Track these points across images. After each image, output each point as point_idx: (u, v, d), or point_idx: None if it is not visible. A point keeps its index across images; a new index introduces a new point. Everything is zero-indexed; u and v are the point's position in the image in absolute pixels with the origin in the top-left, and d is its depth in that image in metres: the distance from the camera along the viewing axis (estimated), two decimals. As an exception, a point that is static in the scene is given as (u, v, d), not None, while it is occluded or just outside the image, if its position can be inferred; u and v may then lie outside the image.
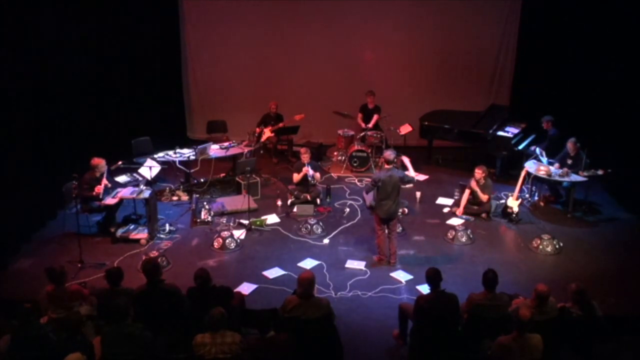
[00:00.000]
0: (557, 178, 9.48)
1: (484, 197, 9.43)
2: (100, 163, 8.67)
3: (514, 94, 12.70)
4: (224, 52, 12.54)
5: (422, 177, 11.17)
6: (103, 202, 8.56)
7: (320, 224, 9.08)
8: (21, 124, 8.84)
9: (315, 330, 5.74)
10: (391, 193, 7.81)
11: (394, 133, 11.58)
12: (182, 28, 12.34)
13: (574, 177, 9.39)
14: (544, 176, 9.53)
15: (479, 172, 9.40)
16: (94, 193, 8.52)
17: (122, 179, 9.65)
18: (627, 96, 10.25)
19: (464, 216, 9.47)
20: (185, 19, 12.33)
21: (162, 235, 8.84)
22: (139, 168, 9.85)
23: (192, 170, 10.34)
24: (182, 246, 8.61)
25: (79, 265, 7.83)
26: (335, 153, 12.03)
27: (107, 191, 8.69)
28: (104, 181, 8.64)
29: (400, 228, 8.68)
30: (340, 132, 11.82)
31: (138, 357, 5.24)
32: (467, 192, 9.57)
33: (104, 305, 5.75)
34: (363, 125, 11.69)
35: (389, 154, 7.93)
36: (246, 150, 10.76)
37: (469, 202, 9.57)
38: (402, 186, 7.97)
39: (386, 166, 7.92)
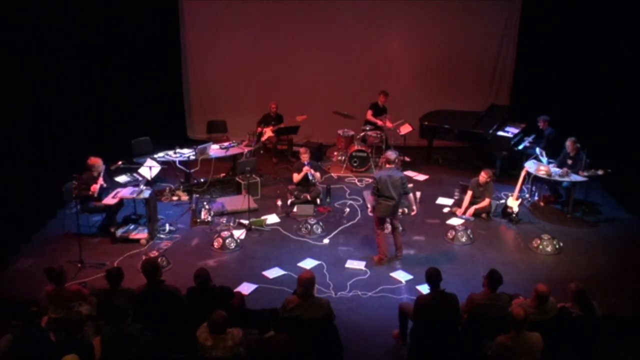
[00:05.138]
0: (557, 178, 9.48)
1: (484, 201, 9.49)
2: (96, 163, 8.66)
3: (514, 94, 12.70)
4: (224, 52, 12.54)
5: (422, 177, 11.19)
6: (101, 201, 8.55)
7: (320, 224, 9.08)
8: (21, 124, 8.84)
9: (315, 330, 5.74)
10: (391, 192, 7.83)
11: (394, 133, 11.59)
12: (182, 28, 12.34)
13: (574, 177, 9.39)
14: (544, 176, 9.53)
15: (484, 176, 9.39)
16: (90, 192, 8.52)
17: (122, 179, 9.66)
18: (627, 96, 10.25)
19: (464, 216, 9.47)
20: (185, 19, 12.33)
21: (162, 235, 8.84)
22: (139, 168, 9.85)
23: (192, 170, 10.33)
24: (182, 246, 8.61)
25: (79, 265, 7.83)
26: (335, 153, 12.03)
27: (105, 191, 8.68)
28: (100, 180, 8.62)
29: (400, 228, 8.68)
30: (340, 132, 11.81)
31: (138, 357, 5.24)
32: (469, 193, 9.57)
33: (104, 305, 5.74)
34: (378, 121, 11.60)
35: (390, 154, 8.05)
36: (246, 150, 10.77)
37: (470, 202, 9.56)
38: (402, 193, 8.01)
39: (387, 166, 8.00)
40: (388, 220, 8.29)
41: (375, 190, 7.95)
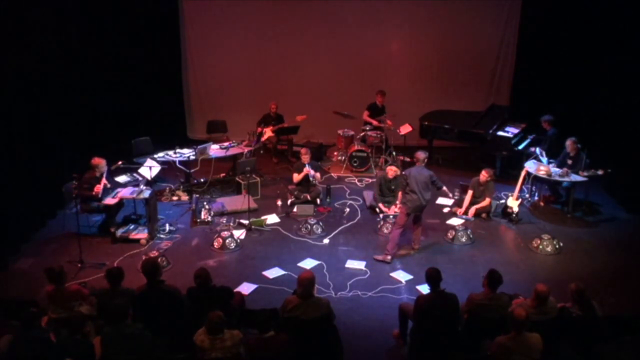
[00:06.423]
0: (557, 178, 9.48)
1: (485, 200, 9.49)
2: (100, 163, 8.67)
3: (514, 94, 12.71)
4: (224, 52, 12.54)
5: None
6: (103, 202, 8.56)
7: (320, 224, 9.08)
8: (21, 124, 8.85)
9: (315, 330, 5.74)
10: (420, 189, 8.04)
11: (394, 133, 11.58)
12: (182, 28, 12.34)
13: (574, 177, 9.38)
14: (544, 176, 9.53)
15: (484, 175, 9.40)
16: (93, 193, 8.52)
17: (122, 179, 9.66)
18: (627, 96, 10.25)
19: (465, 216, 9.47)
20: (185, 19, 12.33)
21: (162, 235, 8.83)
22: (139, 168, 9.85)
23: (192, 170, 10.33)
24: (182, 246, 8.61)
25: (79, 265, 7.83)
26: (335, 153, 12.03)
27: (107, 191, 8.68)
28: (104, 181, 8.63)
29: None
30: (340, 132, 11.81)
31: (138, 358, 5.24)
32: (470, 192, 9.57)
33: (104, 305, 5.74)
34: (374, 122, 11.57)
35: (419, 153, 8.32)
36: (246, 150, 10.76)
37: (471, 202, 9.55)
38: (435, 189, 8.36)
39: (417, 164, 8.26)
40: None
41: (406, 186, 8.19)
